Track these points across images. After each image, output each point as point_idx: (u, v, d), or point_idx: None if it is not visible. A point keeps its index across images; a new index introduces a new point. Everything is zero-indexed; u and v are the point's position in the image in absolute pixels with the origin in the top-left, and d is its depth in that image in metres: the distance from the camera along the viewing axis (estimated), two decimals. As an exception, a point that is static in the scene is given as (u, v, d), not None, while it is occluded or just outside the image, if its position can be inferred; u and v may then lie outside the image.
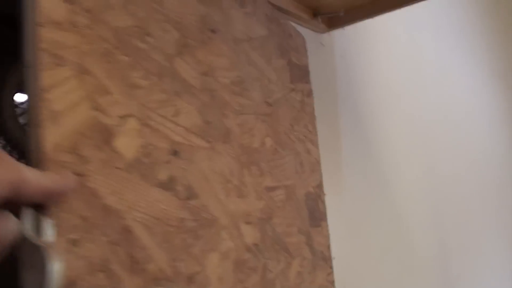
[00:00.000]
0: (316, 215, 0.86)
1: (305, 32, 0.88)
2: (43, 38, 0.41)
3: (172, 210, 0.52)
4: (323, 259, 0.87)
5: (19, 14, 0.42)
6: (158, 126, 0.52)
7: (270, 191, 0.72)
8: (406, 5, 0.84)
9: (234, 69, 0.66)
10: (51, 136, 0.41)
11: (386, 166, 0.98)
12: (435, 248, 1.18)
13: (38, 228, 0.39)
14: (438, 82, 1.39)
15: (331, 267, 0.89)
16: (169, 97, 0.54)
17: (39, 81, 0.40)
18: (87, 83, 0.44)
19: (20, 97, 0.75)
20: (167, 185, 0.52)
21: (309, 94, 0.88)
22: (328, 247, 0.90)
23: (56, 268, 0.38)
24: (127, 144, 0.48)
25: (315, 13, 0.89)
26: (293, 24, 0.87)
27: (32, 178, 0.33)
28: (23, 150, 0.74)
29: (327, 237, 0.90)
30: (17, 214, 0.37)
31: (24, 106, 0.78)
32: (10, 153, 0.76)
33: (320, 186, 0.89)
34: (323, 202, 0.89)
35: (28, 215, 0.39)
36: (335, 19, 0.89)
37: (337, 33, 0.88)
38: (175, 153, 0.54)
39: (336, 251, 0.90)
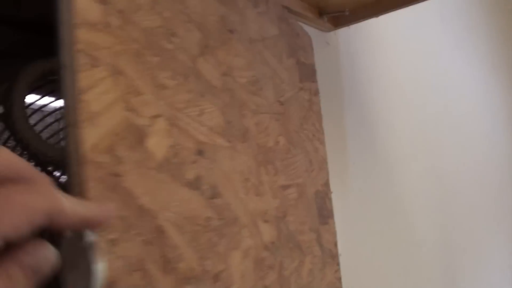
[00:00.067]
0: (324, 212, 0.87)
1: (311, 31, 0.90)
2: (79, 39, 0.41)
3: (199, 209, 0.53)
4: (331, 256, 0.89)
5: (53, 15, 0.42)
6: (185, 126, 0.52)
7: (284, 190, 0.73)
8: (410, 4, 0.86)
9: (250, 68, 0.67)
10: (89, 137, 0.41)
11: (391, 164, 1.00)
12: (439, 245, 1.21)
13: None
14: (442, 79, 1.42)
15: (338, 264, 0.91)
16: (194, 97, 0.54)
17: (77, 82, 0.41)
18: (120, 84, 0.45)
19: (30, 98, 0.75)
20: (194, 185, 0.53)
21: (316, 93, 0.89)
22: (335, 244, 0.91)
23: (101, 268, 0.38)
24: (157, 144, 0.48)
25: (320, 12, 0.91)
26: (300, 23, 0.88)
27: (68, 207, 0.32)
28: (34, 152, 0.74)
29: (334, 234, 0.91)
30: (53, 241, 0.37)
31: (33, 107, 0.77)
32: (21, 154, 0.75)
33: (327, 184, 0.91)
34: (330, 200, 0.91)
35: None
36: (340, 18, 0.91)
37: (343, 32, 0.90)
38: (200, 152, 0.54)
39: (341, 248, 0.91)
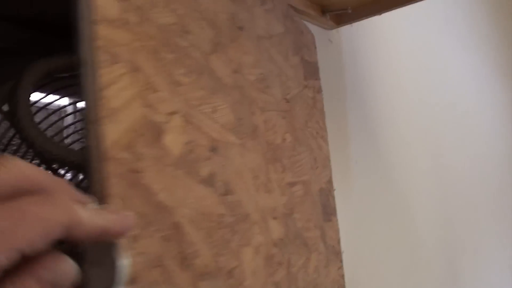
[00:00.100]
0: (327, 210, 0.88)
1: (314, 29, 0.90)
2: (99, 36, 0.42)
3: (213, 206, 0.53)
4: (335, 253, 0.90)
5: (73, 12, 0.42)
6: (199, 123, 0.53)
7: (291, 187, 0.74)
8: (413, 2, 0.87)
9: (258, 66, 0.68)
10: (110, 134, 0.41)
11: (394, 162, 1.01)
12: (441, 243, 1.22)
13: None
14: (445, 77, 1.44)
15: (341, 261, 0.92)
16: (207, 94, 0.55)
17: (97, 79, 0.41)
18: (138, 80, 0.45)
19: (35, 96, 0.74)
20: (208, 181, 0.53)
21: (319, 90, 0.90)
22: (338, 241, 0.92)
23: (126, 264, 0.39)
24: (174, 141, 0.49)
25: (323, 10, 0.92)
26: (303, 21, 0.89)
27: (86, 218, 0.31)
28: (39, 150, 0.73)
29: (337, 231, 0.92)
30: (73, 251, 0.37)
31: (38, 105, 0.77)
32: (26, 152, 0.75)
33: (330, 181, 0.92)
34: (333, 197, 0.92)
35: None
36: (343, 16, 0.92)
37: (345, 29, 0.91)
38: (213, 149, 0.55)
39: (344, 245, 0.93)
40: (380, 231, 0.96)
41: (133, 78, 0.44)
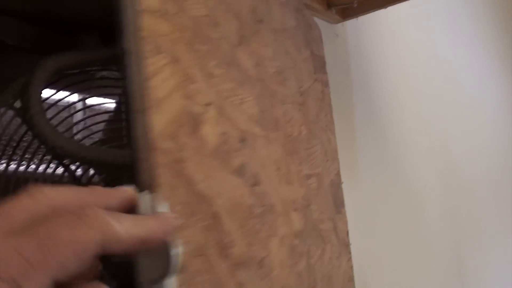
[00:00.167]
0: (338, 202, 0.90)
1: (319, 23, 0.92)
2: (144, 26, 0.42)
3: (244, 196, 0.55)
4: (344, 245, 0.92)
5: (116, 2, 0.43)
6: (230, 114, 0.54)
7: (307, 179, 0.75)
8: (417, -3, 0.90)
9: (276, 59, 0.69)
10: (156, 124, 0.42)
11: (400, 154, 1.04)
12: (448, 234, 1.25)
13: (154, 212, 0.40)
14: (450, 70, 1.47)
15: (350, 253, 0.94)
16: (236, 86, 0.56)
17: (143, 69, 0.42)
18: (178, 71, 0.46)
19: (47, 93, 0.74)
20: (239, 172, 0.54)
21: (327, 84, 0.92)
22: (347, 233, 0.95)
23: (178, 253, 0.40)
24: (210, 131, 0.50)
25: (329, 4, 0.93)
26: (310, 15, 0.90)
27: (122, 232, 0.30)
28: (52, 146, 0.73)
29: (346, 223, 0.94)
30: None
31: (48, 101, 0.77)
32: (38, 148, 0.75)
33: (339, 174, 0.94)
34: (341, 189, 0.94)
35: (144, 199, 0.40)
36: (348, 10, 0.94)
37: (351, 23, 0.93)
38: (243, 141, 0.56)
39: (351, 237, 0.95)
40: (387, 224, 0.99)
41: (173, 69, 0.45)
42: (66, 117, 0.80)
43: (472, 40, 1.77)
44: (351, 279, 0.94)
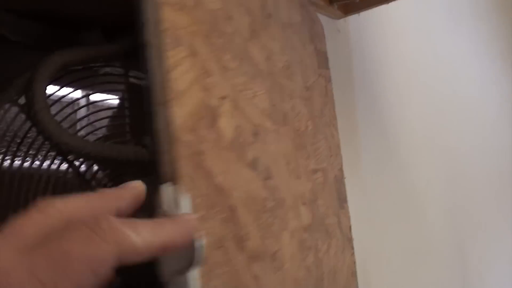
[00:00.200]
0: (341, 197, 0.91)
1: (322, 18, 0.93)
2: (165, 18, 0.43)
3: (258, 190, 0.55)
4: (348, 240, 0.93)
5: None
6: (243, 108, 0.54)
7: (314, 174, 0.76)
8: (419, -7, 0.91)
9: (284, 53, 0.70)
10: (177, 116, 0.42)
11: (402, 150, 1.05)
12: (450, 228, 1.27)
13: (177, 204, 0.41)
14: (451, 66, 1.48)
15: (352, 248, 0.96)
16: (248, 80, 0.56)
17: (164, 61, 0.42)
18: (196, 64, 0.46)
19: (51, 89, 0.74)
20: (253, 166, 0.55)
21: (330, 79, 0.93)
22: (350, 228, 0.96)
23: (201, 245, 0.40)
24: (226, 125, 0.50)
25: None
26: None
27: (139, 242, 0.29)
28: (56, 142, 0.73)
29: (349, 218, 0.96)
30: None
31: (52, 97, 0.77)
32: (42, 144, 0.75)
33: (341, 169, 0.95)
34: (344, 185, 0.95)
35: (166, 191, 0.41)
36: (350, 5, 0.95)
37: (353, 19, 0.94)
38: (255, 134, 0.57)
39: (353, 232, 0.96)
40: (389, 219, 1.00)
41: (192, 62, 0.46)
42: (70, 114, 0.80)
43: (474, 37, 1.79)
44: (354, 274, 0.95)
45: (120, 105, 0.84)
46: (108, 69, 0.82)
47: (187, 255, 0.40)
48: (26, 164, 0.72)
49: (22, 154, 0.73)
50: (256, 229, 0.54)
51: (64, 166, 0.77)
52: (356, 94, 0.95)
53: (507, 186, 1.88)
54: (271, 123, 0.62)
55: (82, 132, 0.84)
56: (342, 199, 0.91)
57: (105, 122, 0.82)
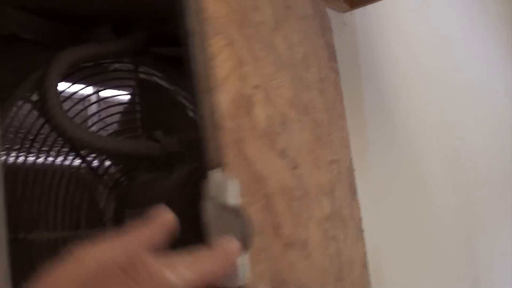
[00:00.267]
0: (352, 189, 0.93)
1: (328, 12, 0.95)
2: (206, 7, 0.44)
3: (288, 179, 0.56)
4: (359, 231, 0.95)
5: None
6: (272, 97, 0.55)
7: (330, 165, 0.78)
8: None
9: (301, 45, 0.71)
10: (220, 103, 0.43)
11: (410, 141, 1.07)
12: (459, 219, 1.29)
13: (225, 190, 0.42)
14: (458, 56, 1.50)
15: (363, 239, 0.97)
16: (274, 70, 0.58)
17: (206, 49, 0.43)
18: (234, 53, 0.47)
19: (62, 86, 0.75)
20: (283, 155, 0.56)
21: (338, 72, 0.95)
22: (360, 219, 0.97)
23: (252, 230, 0.41)
24: (260, 113, 0.51)
25: (337, -7, 0.96)
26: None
27: (178, 283, 0.28)
28: (70, 137, 0.73)
29: (359, 209, 0.97)
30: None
31: (64, 94, 0.77)
32: (56, 140, 0.75)
33: (351, 161, 0.96)
34: (354, 177, 0.97)
35: (214, 177, 0.42)
36: (357, -1, 0.96)
37: (359, 12, 0.95)
38: (283, 124, 0.58)
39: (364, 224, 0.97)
40: (398, 211, 1.02)
41: (230, 51, 0.47)
42: (81, 110, 0.81)
43: (481, 25, 1.79)
44: (365, 265, 0.96)
45: (130, 101, 0.85)
46: (118, 65, 0.82)
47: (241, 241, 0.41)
48: (40, 160, 0.73)
49: (36, 151, 0.73)
50: (289, 217, 0.55)
51: (77, 161, 0.77)
52: (363, 86, 0.96)
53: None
54: (295, 113, 0.63)
55: (93, 128, 0.84)
56: (353, 191, 0.92)
57: (116, 117, 0.83)
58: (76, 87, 0.81)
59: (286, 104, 0.60)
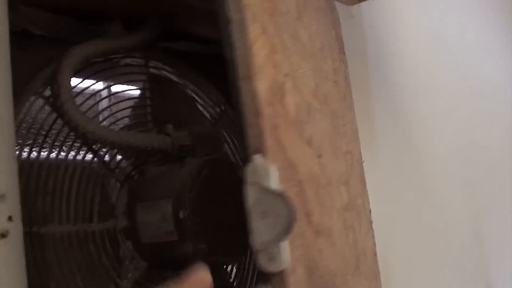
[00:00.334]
0: (362, 180, 0.95)
1: (336, 4, 0.96)
2: (243, -5, 0.44)
3: (315, 166, 0.57)
4: (369, 222, 0.96)
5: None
6: (299, 86, 0.56)
7: (346, 155, 0.79)
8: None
9: (319, 35, 0.72)
10: (260, 90, 0.44)
11: (418, 133, 1.09)
12: (467, 210, 1.31)
13: (267, 175, 0.42)
14: (465, 48, 1.51)
15: (373, 230, 0.99)
16: (299, 59, 0.58)
17: (246, 36, 0.44)
18: (268, 41, 0.48)
19: (75, 81, 0.75)
20: (310, 143, 0.57)
21: (347, 65, 0.96)
22: (370, 210, 0.99)
23: (294, 215, 0.42)
24: (290, 101, 0.52)
25: (345, -14, 0.97)
26: (329, -3, 0.94)
27: None
28: (83, 132, 0.74)
29: (368, 201, 0.99)
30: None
31: (75, 89, 0.77)
32: (68, 134, 0.75)
33: (360, 152, 0.98)
34: (363, 168, 0.98)
35: (256, 162, 0.42)
36: (363, -8, 0.98)
37: (366, 4, 0.97)
38: (309, 112, 0.59)
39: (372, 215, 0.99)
40: (404, 204, 1.04)
41: (265, 38, 0.47)
42: (93, 105, 0.81)
43: (488, 17, 1.80)
44: (375, 255, 0.98)
45: (141, 95, 0.85)
46: (128, 60, 0.83)
47: (279, 225, 0.42)
48: (53, 155, 0.72)
49: (48, 146, 0.73)
50: (317, 205, 0.56)
51: (89, 156, 0.77)
52: (370, 79, 0.98)
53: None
54: (317, 102, 0.64)
55: (104, 123, 0.84)
56: (363, 182, 0.94)
57: (126, 112, 0.83)
58: (87, 82, 0.81)
59: (310, 93, 0.61)
